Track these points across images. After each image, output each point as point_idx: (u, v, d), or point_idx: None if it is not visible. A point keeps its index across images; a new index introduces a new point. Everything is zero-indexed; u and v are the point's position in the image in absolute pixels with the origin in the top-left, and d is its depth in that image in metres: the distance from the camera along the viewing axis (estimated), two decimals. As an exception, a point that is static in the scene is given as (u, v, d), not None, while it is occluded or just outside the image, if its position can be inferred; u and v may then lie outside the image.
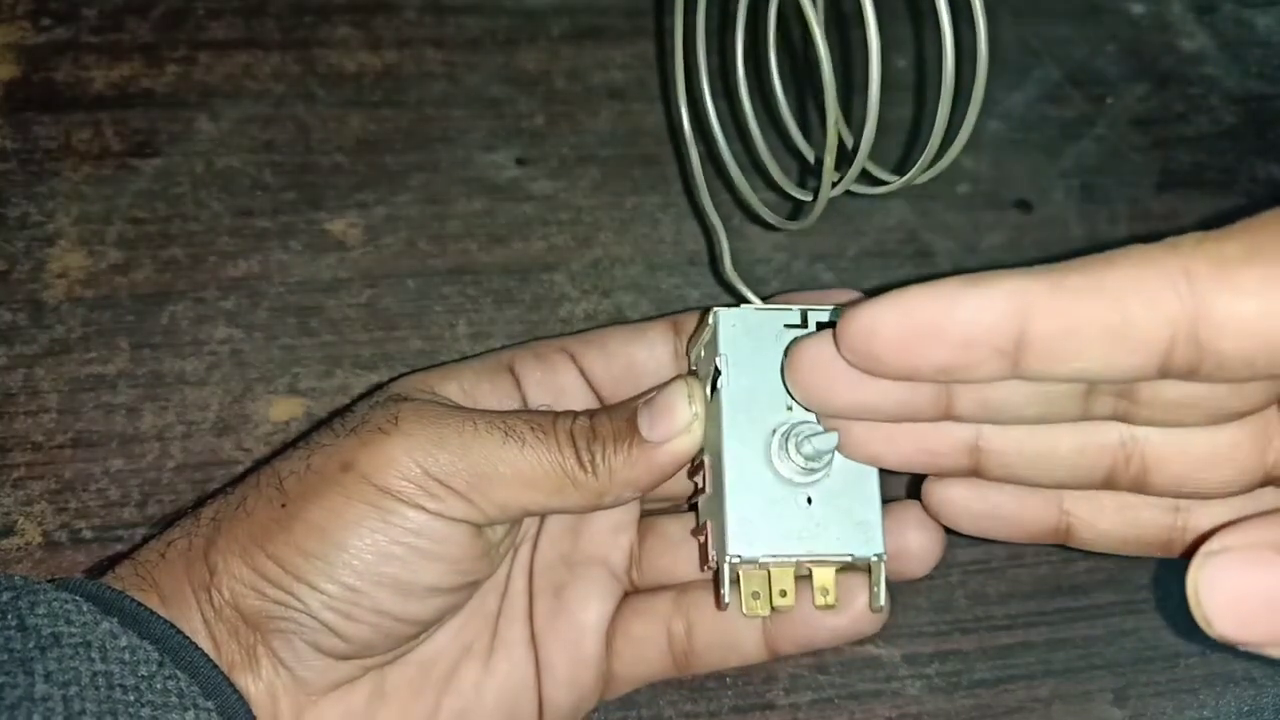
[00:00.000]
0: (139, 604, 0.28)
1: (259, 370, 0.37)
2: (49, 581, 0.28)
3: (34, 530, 0.34)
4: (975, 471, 0.28)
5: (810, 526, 0.29)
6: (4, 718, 0.24)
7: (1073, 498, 0.29)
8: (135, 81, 0.42)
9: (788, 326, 0.30)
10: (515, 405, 0.32)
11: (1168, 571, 0.36)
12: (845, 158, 0.30)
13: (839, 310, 0.30)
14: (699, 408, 0.30)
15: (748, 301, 0.31)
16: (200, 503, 0.31)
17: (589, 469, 0.29)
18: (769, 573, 0.29)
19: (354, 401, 0.36)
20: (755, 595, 0.29)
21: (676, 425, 0.29)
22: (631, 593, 0.33)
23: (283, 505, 0.28)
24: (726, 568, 0.28)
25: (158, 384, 0.37)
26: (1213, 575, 0.21)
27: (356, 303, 0.39)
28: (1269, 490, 0.28)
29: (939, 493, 0.30)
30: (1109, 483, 0.28)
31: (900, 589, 0.34)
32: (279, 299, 0.39)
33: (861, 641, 0.33)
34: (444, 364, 0.33)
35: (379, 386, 0.34)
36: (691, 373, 0.32)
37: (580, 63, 0.45)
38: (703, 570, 0.32)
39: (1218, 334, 0.21)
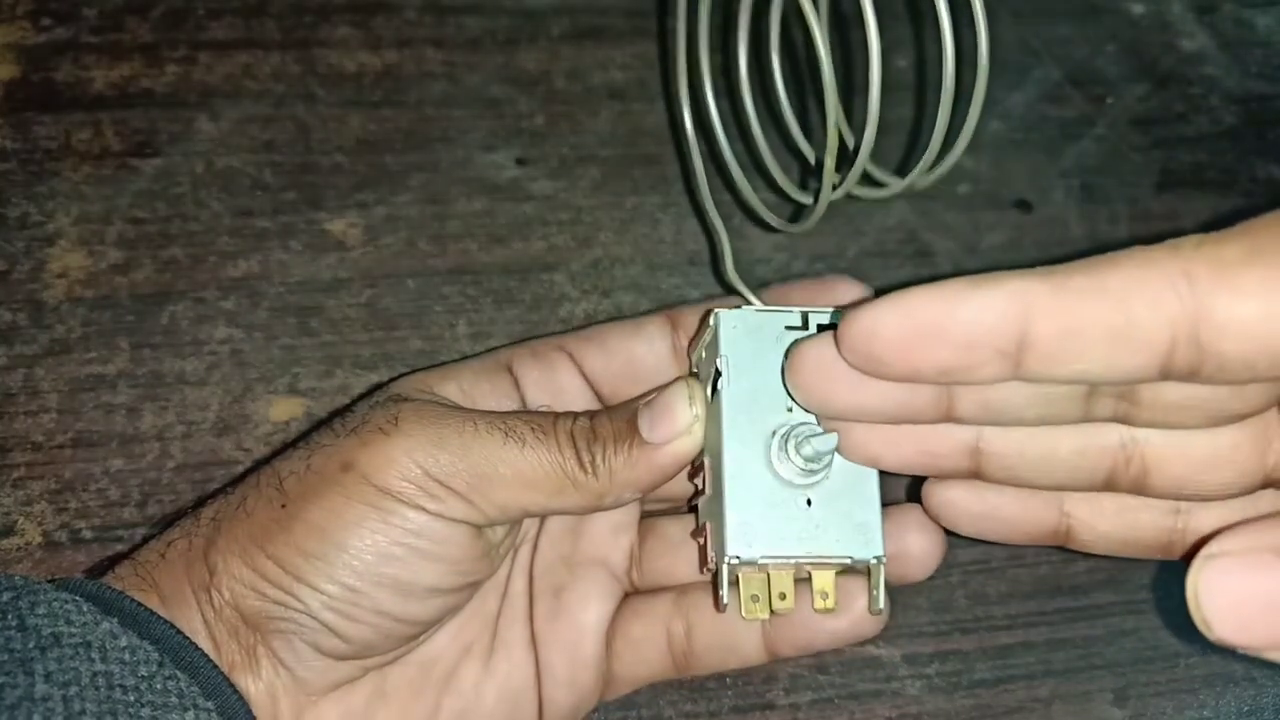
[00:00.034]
0: (139, 604, 0.28)
1: (259, 370, 0.37)
2: (49, 581, 0.28)
3: (34, 530, 0.34)
4: (975, 473, 0.28)
5: (810, 528, 0.29)
6: (4, 718, 0.24)
7: (1073, 500, 0.29)
8: (135, 81, 0.42)
9: (789, 328, 0.30)
10: (514, 405, 0.32)
11: (1167, 573, 0.36)
12: (846, 160, 0.30)
13: (840, 312, 0.30)
14: (700, 409, 0.30)
15: (749, 303, 0.31)
16: (200, 503, 0.31)
17: (589, 470, 0.29)
18: (768, 575, 0.29)
19: (354, 401, 0.36)
20: (754, 598, 0.29)
21: (677, 427, 0.29)
22: (631, 594, 0.33)
23: (283, 505, 0.28)
24: (725, 568, 0.28)
25: (158, 384, 0.37)
26: (1212, 579, 0.21)
27: (356, 303, 0.39)
28: (1269, 493, 0.28)
29: (939, 494, 0.30)
30: (1109, 484, 0.28)
31: (900, 589, 0.34)
32: (279, 299, 0.39)
33: (862, 642, 0.33)
34: (443, 364, 0.33)
35: (379, 386, 0.34)
36: (692, 374, 0.32)
37: (580, 63, 0.45)
38: (702, 572, 0.32)
39: (1218, 336, 0.21)
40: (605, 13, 0.47)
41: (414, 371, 0.34)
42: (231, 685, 0.27)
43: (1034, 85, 0.47)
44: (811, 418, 0.29)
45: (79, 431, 0.35)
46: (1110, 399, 0.25)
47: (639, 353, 0.33)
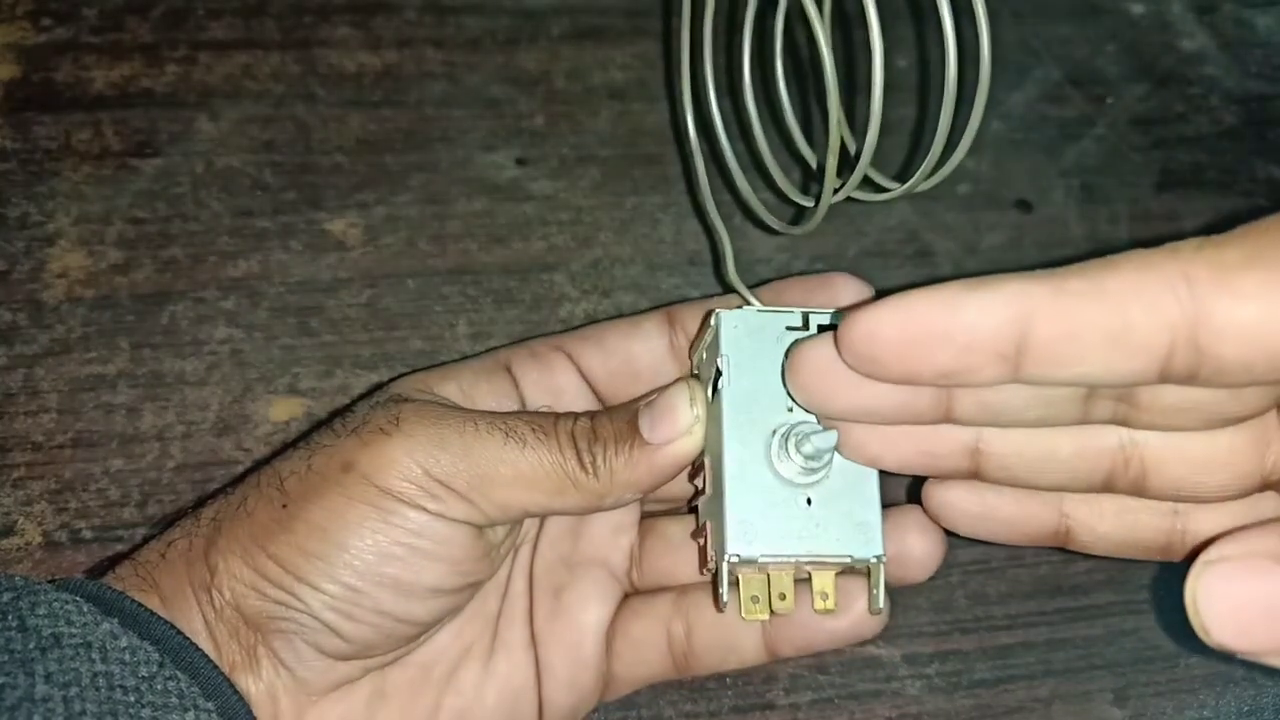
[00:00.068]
0: (139, 605, 0.28)
1: (259, 370, 0.37)
2: (49, 582, 0.28)
3: (34, 530, 0.34)
4: (975, 474, 0.28)
5: (810, 527, 0.29)
6: (4, 718, 0.24)
7: (1072, 501, 0.29)
8: (135, 81, 0.42)
9: (789, 328, 0.30)
10: (513, 405, 0.32)
11: (1167, 574, 0.36)
12: (847, 163, 0.30)
13: (840, 313, 0.30)
14: (700, 410, 0.30)
15: (749, 304, 0.31)
16: (200, 503, 0.31)
17: (590, 470, 0.29)
18: (768, 576, 0.29)
19: (354, 401, 0.36)
20: (754, 599, 0.29)
21: (678, 427, 0.29)
22: (631, 594, 0.33)
23: (283, 505, 0.28)
24: (725, 567, 0.28)
25: (158, 384, 0.37)
26: (1211, 584, 0.21)
27: (356, 303, 0.39)
28: (1268, 495, 0.28)
29: (939, 495, 0.30)
30: (1108, 486, 0.28)
31: (900, 589, 0.34)
32: (279, 299, 0.39)
33: (862, 642, 0.33)
34: (443, 364, 0.34)
35: (379, 386, 0.34)
36: (693, 376, 0.32)
37: (580, 63, 0.45)
38: (702, 572, 0.32)
39: (1217, 339, 0.21)
40: (605, 13, 0.47)
41: (414, 371, 0.34)
42: (232, 685, 0.27)
43: (1034, 85, 0.47)
44: (812, 417, 0.29)
45: (79, 431, 0.35)
46: (1109, 401, 0.25)
47: (636, 352, 0.33)
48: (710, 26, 0.32)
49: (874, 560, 0.29)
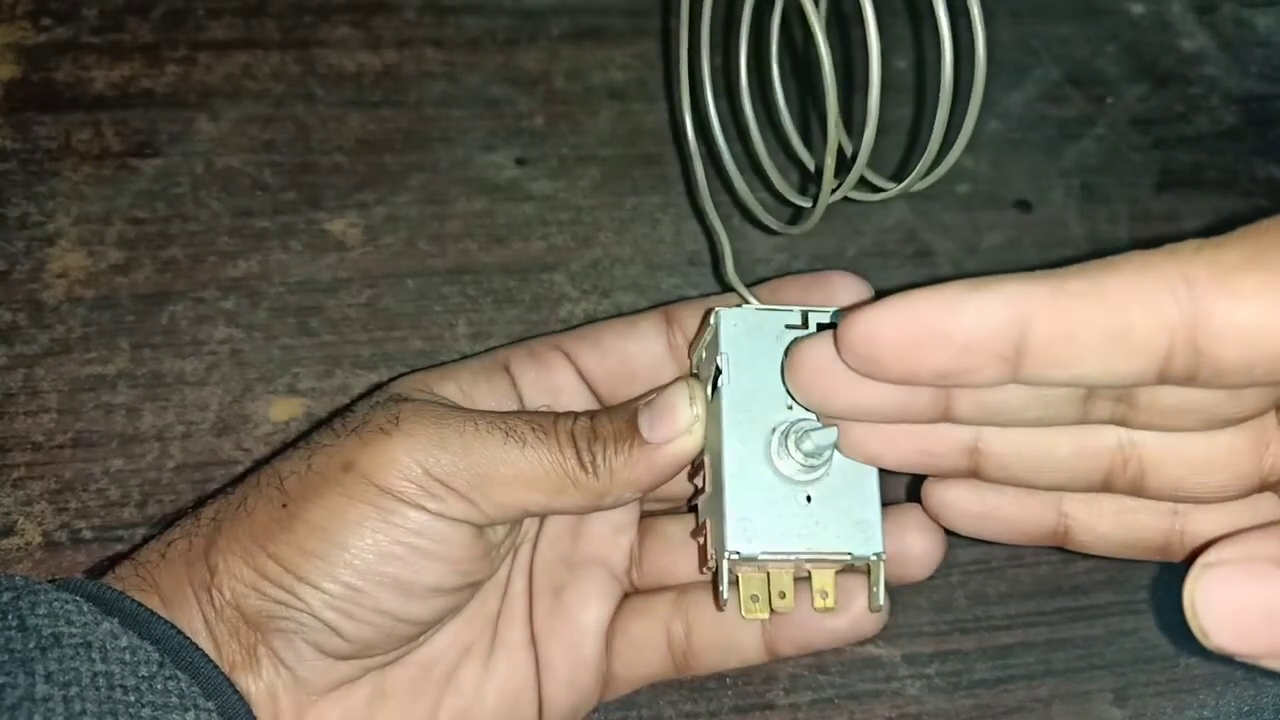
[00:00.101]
0: (139, 604, 0.28)
1: (259, 370, 0.37)
2: (49, 582, 0.28)
3: (34, 530, 0.34)
4: (974, 473, 0.28)
5: (810, 524, 0.29)
6: (5, 718, 0.24)
7: (1071, 500, 0.29)
8: (135, 81, 0.42)
9: (789, 327, 0.30)
10: (512, 404, 0.32)
11: (1167, 574, 0.36)
12: (845, 164, 0.30)
13: (840, 312, 0.30)
14: (700, 409, 0.30)
15: (748, 304, 0.31)
16: (200, 503, 0.31)
17: (589, 470, 0.29)
18: (768, 574, 0.29)
19: (354, 401, 0.36)
20: (754, 598, 0.29)
21: (678, 426, 0.29)
22: (631, 593, 0.33)
23: (284, 505, 0.29)
24: (725, 564, 0.28)
25: (158, 384, 0.37)
26: (1210, 588, 0.21)
27: (356, 303, 0.39)
28: (1266, 496, 0.28)
29: (938, 494, 0.30)
30: (1106, 486, 0.28)
31: (900, 589, 0.34)
32: (279, 299, 0.39)
33: (862, 641, 0.33)
34: (443, 364, 0.34)
35: (379, 386, 0.34)
36: (693, 374, 0.32)
37: (580, 63, 0.45)
38: (702, 571, 0.32)
39: (1216, 340, 0.21)
40: (605, 13, 0.47)
41: (414, 371, 0.34)
42: (232, 685, 0.27)
43: (1034, 85, 0.47)
44: (812, 415, 0.29)
45: (79, 431, 0.35)
46: (1108, 401, 0.25)
47: (634, 351, 0.33)
48: (708, 27, 0.32)
49: (874, 558, 0.29)
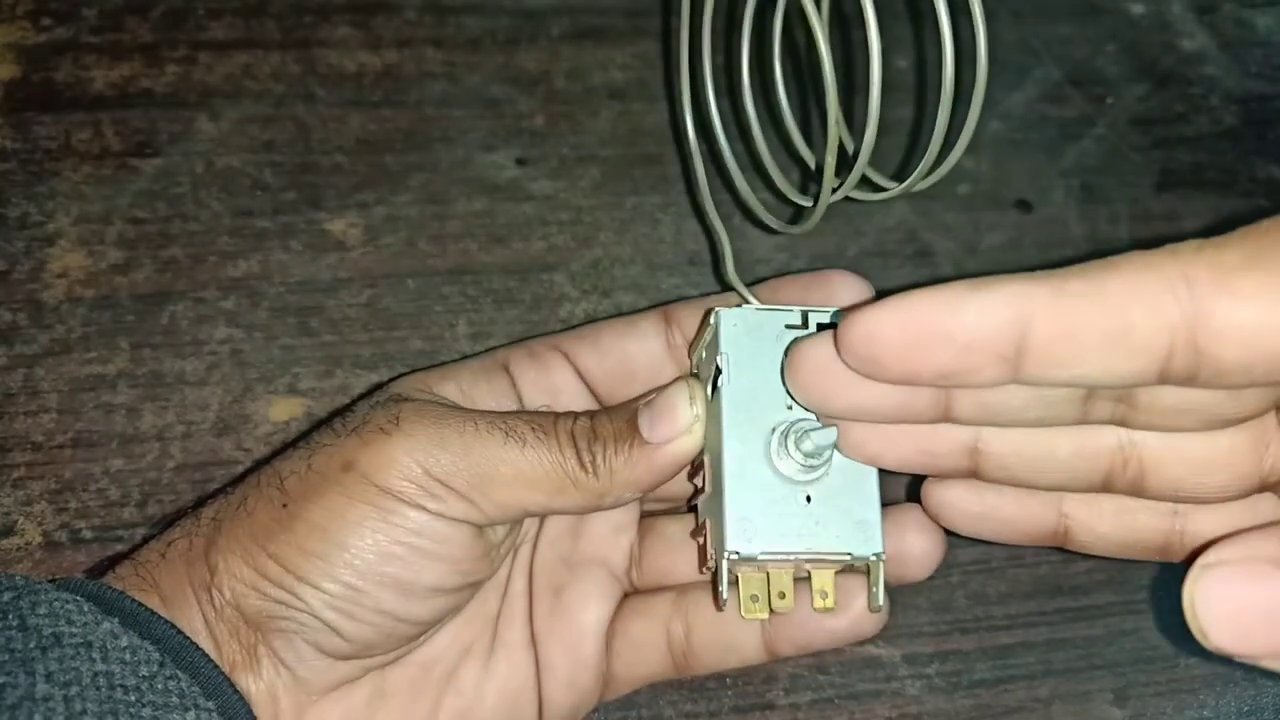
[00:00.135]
0: (140, 604, 0.28)
1: (259, 370, 0.37)
2: (50, 581, 0.28)
3: (34, 530, 0.34)
4: (974, 473, 0.28)
5: (809, 524, 0.29)
6: (5, 718, 0.24)
7: (1071, 500, 0.29)
8: (135, 81, 0.42)
9: (789, 327, 0.30)
10: (512, 404, 0.32)
11: (1166, 575, 0.36)
12: (846, 163, 0.30)
13: (840, 312, 0.30)
14: (700, 409, 0.30)
15: (748, 304, 0.31)
16: (200, 503, 0.31)
17: (589, 470, 0.29)
18: (767, 574, 0.29)
19: (354, 401, 0.36)
20: (754, 598, 0.29)
21: (678, 426, 0.29)
22: (631, 593, 0.33)
23: (284, 505, 0.29)
24: (725, 564, 0.28)
25: (158, 384, 0.37)
26: (1209, 588, 0.21)
27: (356, 303, 0.39)
28: (1266, 496, 0.28)
29: (938, 494, 0.30)
30: (1106, 486, 0.28)
31: (900, 589, 0.34)
32: (279, 299, 0.39)
33: (862, 642, 0.33)
34: (443, 364, 0.34)
35: (379, 386, 0.34)
36: (693, 374, 0.32)
37: (580, 63, 0.45)
38: (702, 571, 0.32)
39: (1216, 341, 0.21)
40: (605, 13, 0.47)
41: (414, 371, 0.34)
42: (232, 685, 0.27)
43: (1034, 85, 0.47)
44: (811, 415, 0.29)
45: (79, 431, 0.35)
46: (1108, 401, 0.25)
47: (633, 351, 0.33)
48: (709, 27, 0.32)
49: (873, 558, 0.29)
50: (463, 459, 0.28)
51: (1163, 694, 0.35)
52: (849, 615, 0.31)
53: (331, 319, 0.38)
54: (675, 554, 0.33)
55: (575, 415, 0.30)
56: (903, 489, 0.35)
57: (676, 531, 0.33)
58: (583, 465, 0.29)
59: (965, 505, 0.30)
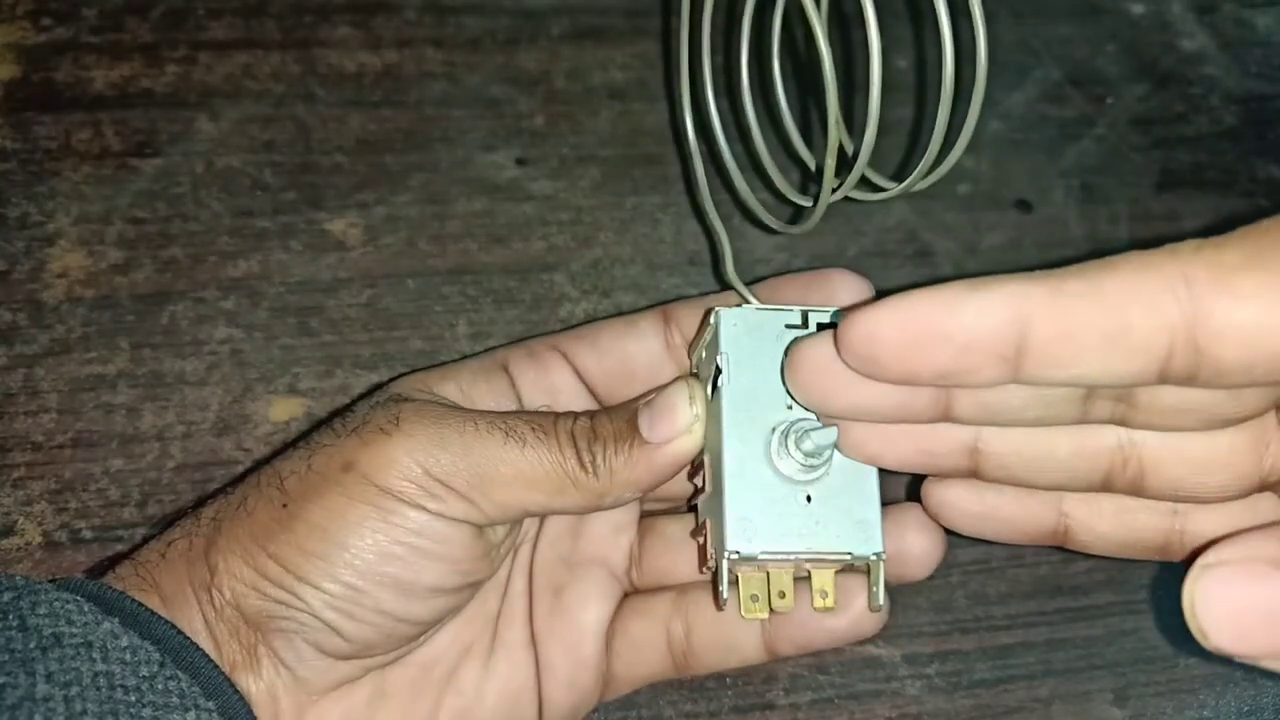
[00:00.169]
0: (140, 604, 0.28)
1: (259, 370, 0.37)
2: (50, 582, 0.28)
3: (34, 530, 0.34)
4: (974, 473, 0.28)
5: (810, 524, 0.29)
6: (5, 718, 0.24)
7: (1071, 500, 0.29)
8: (135, 81, 0.42)
9: (789, 326, 0.30)
10: (511, 404, 0.32)
11: (1165, 575, 0.36)
12: (845, 163, 0.30)
13: (840, 312, 0.30)
14: (700, 409, 0.30)
15: (748, 302, 0.31)
16: (200, 503, 0.31)
17: (589, 470, 0.29)
18: (767, 574, 0.29)
19: (354, 401, 0.36)
20: (754, 598, 0.29)
21: (678, 426, 0.29)
22: (631, 593, 0.33)
23: (284, 505, 0.29)
24: (725, 564, 0.28)
25: (158, 384, 0.37)
26: (1209, 588, 0.21)
27: (356, 303, 0.39)
28: (1266, 496, 0.28)
29: (938, 493, 0.30)
30: (1106, 485, 0.28)
31: (900, 589, 0.34)
32: (279, 299, 0.39)
33: (862, 641, 0.33)
34: (442, 364, 0.34)
35: (379, 386, 0.34)
36: (693, 374, 0.32)
37: (580, 63, 0.45)
38: (702, 571, 0.32)
39: (1216, 340, 0.21)
40: (605, 13, 0.47)
41: (414, 371, 0.34)
42: (232, 685, 0.27)
43: (1034, 85, 0.47)
44: (811, 415, 0.29)
45: (79, 431, 0.35)
46: (1108, 401, 0.25)
47: (632, 351, 0.33)
48: (709, 27, 0.32)
49: (873, 557, 0.29)
50: (463, 459, 0.28)
51: (1163, 694, 0.35)
52: (849, 615, 0.31)
53: (331, 319, 0.39)
54: (675, 554, 0.33)
55: (575, 415, 0.30)
56: (903, 488, 0.35)
57: (676, 531, 0.33)
58: (583, 465, 0.29)
59: (965, 505, 0.30)
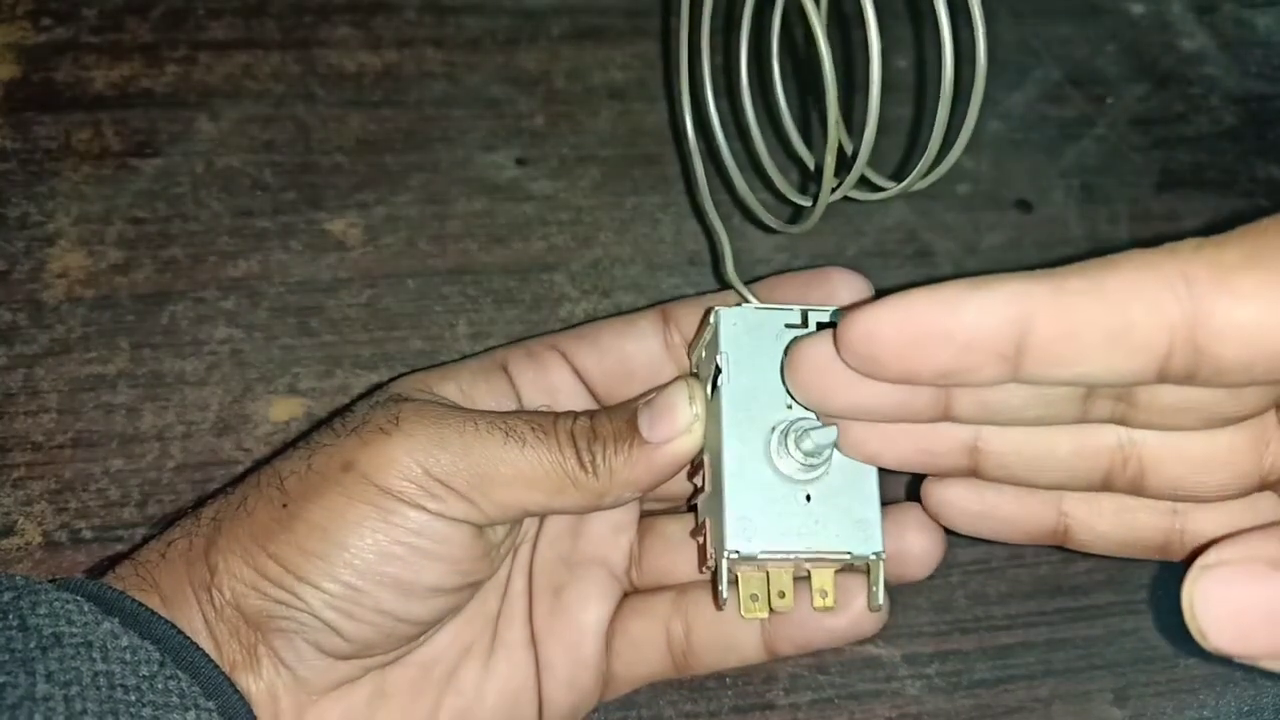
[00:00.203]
0: (140, 604, 0.28)
1: (259, 370, 0.37)
2: (50, 581, 0.28)
3: (34, 530, 0.34)
4: (974, 472, 0.28)
5: (809, 524, 0.29)
6: (5, 718, 0.24)
7: (1071, 499, 0.29)
8: (135, 81, 0.42)
9: (788, 326, 0.30)
10: (511, 404, 0.32)
11: (1165, 575, 0.36)
12: (845, 163, 0.30)
13: (839, 311, 0.30)
14: (700, 409, 0.30)
15: (748, 302, 0.31)
16: (200, 503, 0.31)
17: (589, 469, 0.29)
18: (767, 574, 0.29)
19: (354, 401, 0.36)
20: (754, 597, 0.29)
21: (677, 426, 0.29)
22: (631, 593, 0.33)
23: (284, 505, 0.29)
24: (725, 563, 0.28)
25: (158, 384, 0.37)
26: (1208, 589, 0.21)
27: (356, 303, 0.39)
28: (1266, 495, 0.28)
29: (938, 493, 0.30)
30: (1106, 485, 0.28)
31: (900, 589, 0.34)
32: (279, 299, 0.39)
33: (862, 641, 0.33)
34: (442, 364, 0.34)
35: (379, 386, 0.34)
36: (692, 374, 0.32)
37: (580, 63, 0.45)
38: (701, 570, 0.32)
39: (1216, 339, 0.21)
40: (605, 13, 0.47)
41: (414, 371, 0.34)
42: (232, 684, 0.27)
43: (1034, 85, 0.47)
44: (811, 415, 0.29)
45: (79, 431, 0.35)
46: (1108, 400, 0.25)
47: (631, 350, 0.33)
48: (708, 27, 0.32)
49: (873, 557, 0.29)
50: (463, 459, 0.28)
51: (1163, 694, 0.35)
52: (849, 614, 0.31)
53: (331, 319, 0.39)
54: (675, 553, 0.33)
55: (575, 415, 0.30)
56: (902, 488, 0.35)
57: (676, 531, 0.33)
58: (582, 465, 0.29)
59: (965, 504, 0.30)
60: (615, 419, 0.30)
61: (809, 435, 0.28)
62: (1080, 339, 0.22)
